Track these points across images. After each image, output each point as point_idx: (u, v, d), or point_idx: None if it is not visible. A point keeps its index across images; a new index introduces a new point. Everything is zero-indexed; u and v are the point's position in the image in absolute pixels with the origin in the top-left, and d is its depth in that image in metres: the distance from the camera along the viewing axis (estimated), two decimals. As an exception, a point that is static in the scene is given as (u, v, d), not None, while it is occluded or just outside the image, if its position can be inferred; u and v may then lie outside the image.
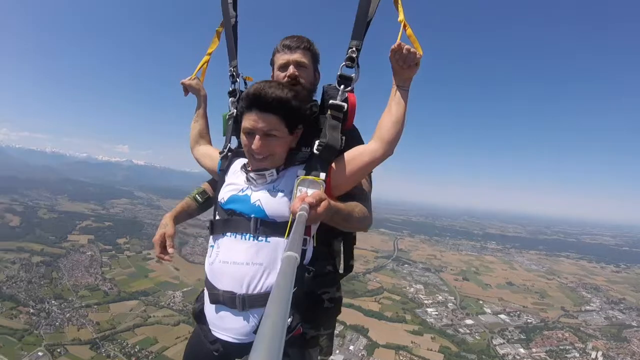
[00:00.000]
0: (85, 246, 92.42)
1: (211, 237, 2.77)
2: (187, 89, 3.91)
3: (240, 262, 2.48)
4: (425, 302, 78.23)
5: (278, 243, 2.47)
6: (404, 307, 74.48)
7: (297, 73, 3.13)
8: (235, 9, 3.72)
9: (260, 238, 2.50)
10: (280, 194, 2.59)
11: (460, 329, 66.92)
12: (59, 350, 52.32)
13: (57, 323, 58.40)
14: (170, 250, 3.16)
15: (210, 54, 3.99)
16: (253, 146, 2.58)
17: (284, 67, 3.18)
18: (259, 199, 2.60)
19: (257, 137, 2.56)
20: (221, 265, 2.55)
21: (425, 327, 67.03)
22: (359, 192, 2.93)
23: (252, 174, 2.69)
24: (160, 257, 3.20)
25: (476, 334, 65.72)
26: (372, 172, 3.39)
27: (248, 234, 2.53)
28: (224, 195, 2.81)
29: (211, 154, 3.45)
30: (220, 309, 2.55)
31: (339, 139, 2.71)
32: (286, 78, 3.11)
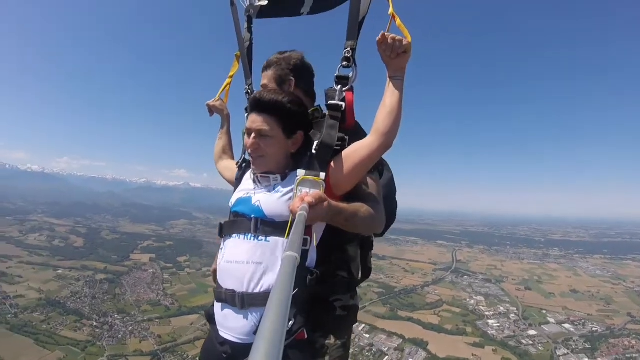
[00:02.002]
0: (147, 264, 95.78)
1: (221, 239, 2.84)
2: (211, 109, 4.13)
3: (241, 261, 2.54)
4: (487, 313, 76.51)
5: (278, 243, 2.53)
6: (464, 320, 73.06)
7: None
8: (250, 30, 4.00)
9: (260, 238, 2.56)
10: (278, 194, 2.64)
11: (523, 340, 65.03)
12: (120, 360, 53.96)
13: (120, 335, 60.53)
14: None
15: (231, 76, 4.21)
16: (247, 144, 2.72)
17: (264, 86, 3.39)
18: (259, 200, 2.68)
19: (252, 135, 2.69)
20: (226, 265, 2.63)
21: (486, 339, 65.58)
22: (365, 193, 2.88)
23: (258, 176, 2.77)
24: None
25: (539, 345, 63.75)
26: (392, 174, 3.62)
27: (249, 234, 2.60)
28: (232, 199, 2.93)
29: (231, 167, 3.59)
30: (224, 308, 2.62)
31: (334, 137, 2.74)
32: None
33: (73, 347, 55.70)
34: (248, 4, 3.98)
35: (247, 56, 3.92)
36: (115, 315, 66.60)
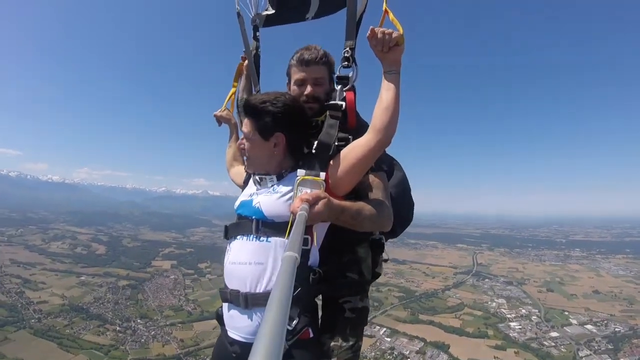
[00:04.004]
0: (169, 271, 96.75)
1: (227, 241, 2.91)
2: (219, 120, 4.29)
3: (244, 262, 2.61)
4: (508, 316, 75.48)
5: (278, 243, 2.56)
6: (485, 322, 72.12)
7: (314, 93, 3.13)
8: (256, 38, 4.12)
9: (261, 238, 2.61)
10: (277, 195, 2.68)
11: (545, 342, 64.13)
12: (144, 363, 54.70)
13: (143, 340, 61.26)
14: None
15: (235, 85, 4.33)
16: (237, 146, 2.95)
17: (301, 83, 3.19)
18: (259, 202, 2.72)
19: (242, 137, 2.91)
20: (231, 266, 2.71)
21: (508, 341, 64.75)
22: (369, 191, 2.92)
23: (257, 177, 2.87)
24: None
25: (562, 346, 62.86)
26: (403, 173, 3.68)
27: (251, 235, 2.65)
28: (237, 201, 3.01)
29: (242, 172, 3.58)
30: (230, 308, 2.69)
31: (333, 136, 2.77)
32: (304, 97, 3.14)
33: (96, 351, 56.42)
34: (254, 14, 4.11)
35: (254, 64, 4.00)
36: (138, 320, 67.34)
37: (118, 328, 63.81)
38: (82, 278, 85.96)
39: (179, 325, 67.66)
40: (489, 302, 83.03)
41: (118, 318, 67.72)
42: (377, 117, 2.63)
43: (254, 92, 3.85)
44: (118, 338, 60.79)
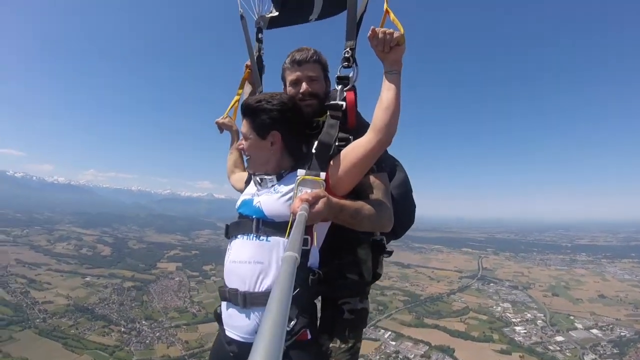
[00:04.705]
0: (174, 273, 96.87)
1: (228, 240, 2.91)
2: (221, 127, 4.29)
3: (244, 261, 2.61)
4: (513, 320, 75.20)
5: (278, 243, 2.57)
6: (491, 327, 71.82)
7: (310, 89, 3.16)
8: (259, 40, 4.18)
9: (261, 238, 2.62)
10: (278, 195, 2.70)
11: (550, 347, 63.90)
12: (148, 364, 54.82)
13: (147, 341, 61.38)
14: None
15: (240, 94, 4.35)
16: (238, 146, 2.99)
17: (295, 83, 3.21)
18: (259, 201, 2.74)
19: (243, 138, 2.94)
20: (231, 265, 2.72)
21: (513, 345, 64.50)
22: (369, 192, 2.90)
23: (257, 178, 2.89)
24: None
25: (567, 350, 62.67)
26: (405, 174, 3.65)
27: (251, 234, 2.66)
28: (238, 201, 3.03)
29: (243, 177, 3.68)
30: (229, 307, 2.69)
31: (333, 136, 2.78)
32: (300, 94, 3.16)
33: (101, 352, 56.59)
34: (258, 16, 4.15)
35: (257, 66, 4.06)
36: (143, 322, 67.60)
37: (123, 329, 64.00)
38: (87, 279, 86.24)
39: (184, 327, 67.79)
40: (494, 306, 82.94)
41: (123, 319, 67.93)
42: (377, 117, 2.64)
43: (257, 93, 3.86)
44: (123, 339, 60.98)
